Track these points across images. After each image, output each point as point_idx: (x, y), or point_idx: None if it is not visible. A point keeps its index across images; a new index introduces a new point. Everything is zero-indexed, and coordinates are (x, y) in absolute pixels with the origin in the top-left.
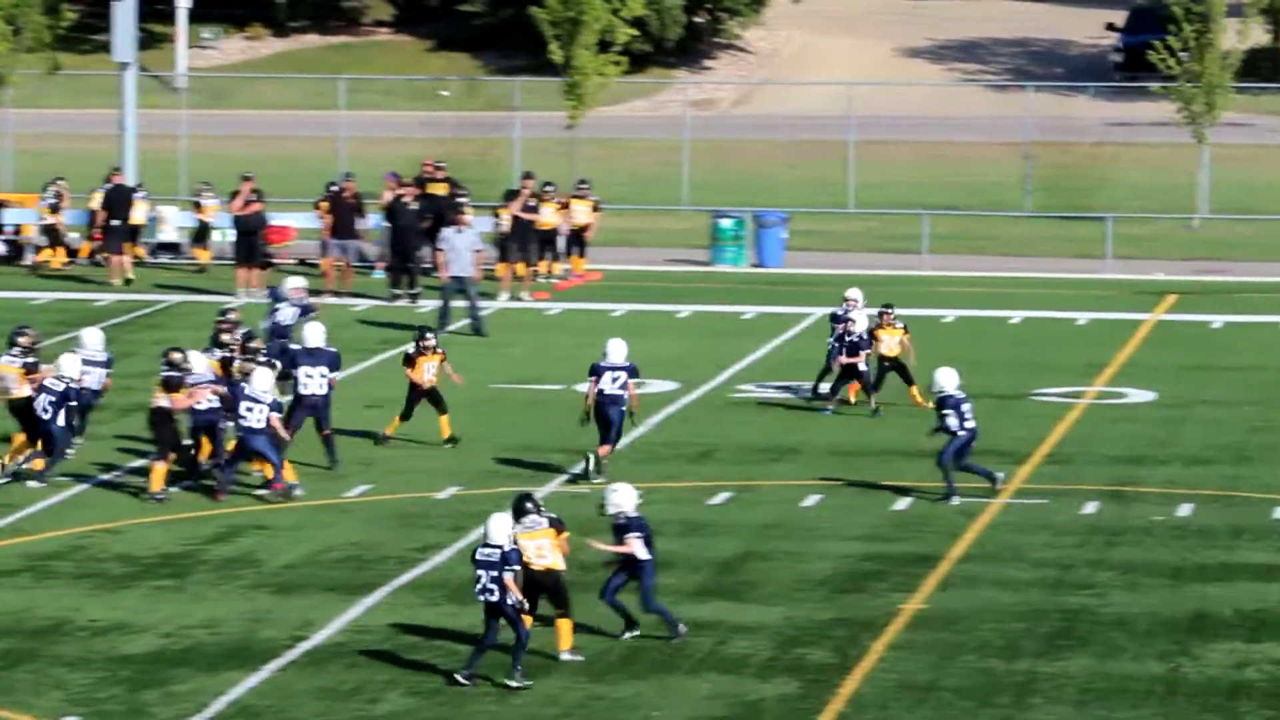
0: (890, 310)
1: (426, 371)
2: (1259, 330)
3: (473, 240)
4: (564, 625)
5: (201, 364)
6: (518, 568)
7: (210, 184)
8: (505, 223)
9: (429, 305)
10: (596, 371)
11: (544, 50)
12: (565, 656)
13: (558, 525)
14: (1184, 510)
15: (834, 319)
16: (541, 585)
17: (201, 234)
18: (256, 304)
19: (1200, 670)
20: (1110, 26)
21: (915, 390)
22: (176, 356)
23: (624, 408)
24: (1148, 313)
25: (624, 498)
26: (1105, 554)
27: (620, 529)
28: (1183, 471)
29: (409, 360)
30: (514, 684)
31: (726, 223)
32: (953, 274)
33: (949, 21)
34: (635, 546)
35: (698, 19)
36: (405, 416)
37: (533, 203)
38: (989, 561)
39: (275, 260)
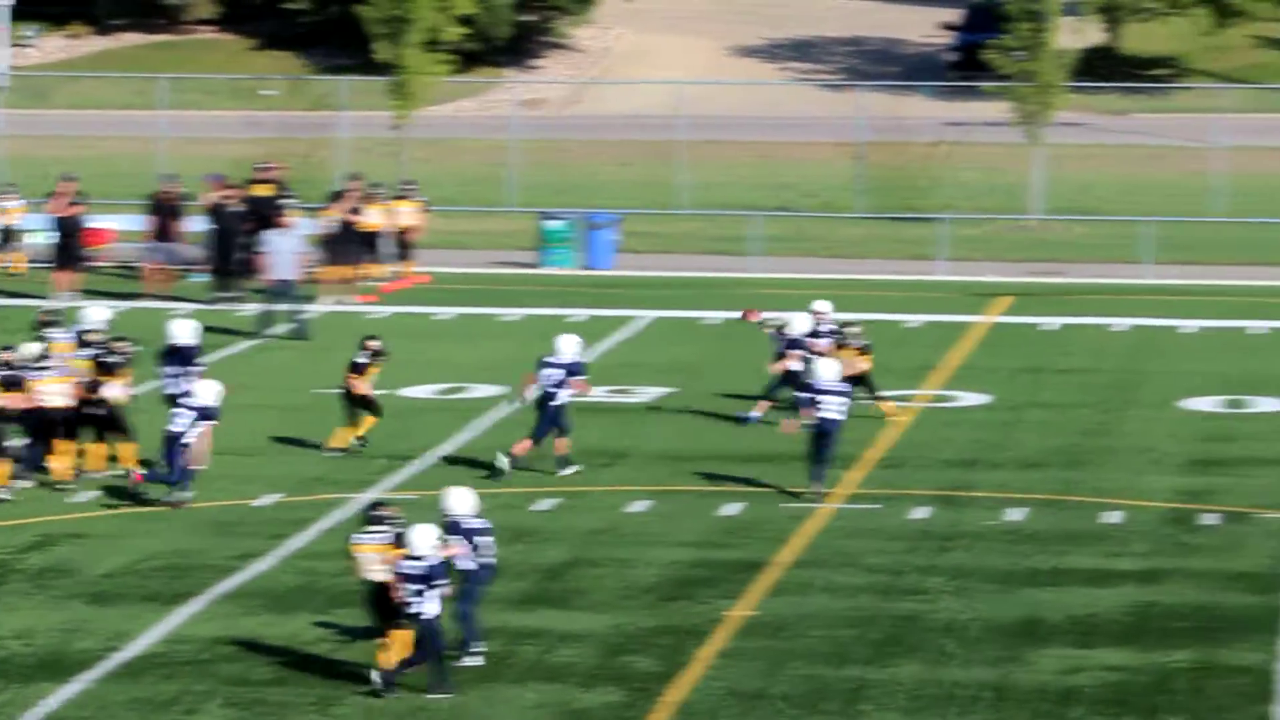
0: (841, 332)
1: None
2: (1092, 332)
3: (296, 243)
4: (391, 641)
5: (35, 352)
6: (446, 581)
7: (15, 185)
8: (330, 225)
9: (251, 309)
10: (539, 366)
11: (370, 49)
12: (389, 674)
13: (401, 540)
14: (1016, 515)
15: (813, 336)
16: (380, 597)
17: (6, 237)
18: (75, 307)
19: (1031, 676)
20: (947, 25)
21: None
22: (7, 355)
23: (557, 404)
24: (981, 315)
25: (456, 501)
26: (937, 559)
27: (448, 530)
28: (1015, 475)
29: (359, 369)
30: (435, 695)
31: (556, 224)
32: (784, 276)
33: (782, 20)
34: (455, 551)
35: (527, 18)
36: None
37: (358, 204)
38: (819, 567)
39: (93, 263)
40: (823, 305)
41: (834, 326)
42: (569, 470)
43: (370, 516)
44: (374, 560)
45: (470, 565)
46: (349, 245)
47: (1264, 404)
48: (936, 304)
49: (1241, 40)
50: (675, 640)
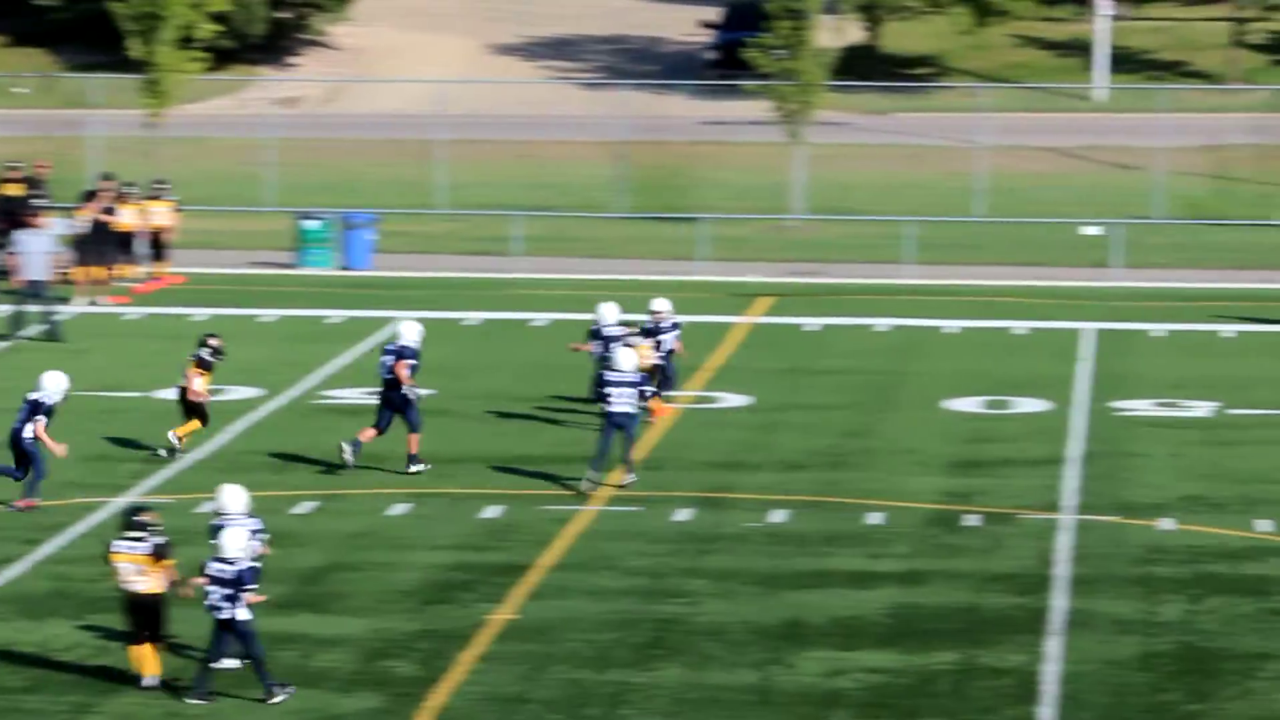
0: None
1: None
2: (854, 333)
3: (48, 243)
4: (149, 651)
5: None
6: (255, 586)
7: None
8: (83, 225)
9: (2, 310)
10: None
11: (123, 46)
12: (146, 682)
13: (160, 551)
14: (779, 516)
15: (644, 333)
16: (139, 606)
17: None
18: None
19: (794, 678)
20: (706, 24)
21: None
22: None
23: (404, 393)
24: (742, 315)
25: (230, 499)
26: (698, 561)
27: (215, 530)
28: (777, 477)
29: (204, 365)
30: (277, 699)
31: (313, 224)
32: (545, 276)
33: (540, 18)
34: (265, 551)
35: (283, 15)
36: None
37: (112, 204)
38: (580, 570)
39: None
40: (661, 303)
41: (666, 323)
42: (418, 468)
43: (130, 522)
44: (132, 570)
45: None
46: (102, 245)
47: (1025, 404)
48: (698, 304)
49: (1001, 39)
50: (436, 645)
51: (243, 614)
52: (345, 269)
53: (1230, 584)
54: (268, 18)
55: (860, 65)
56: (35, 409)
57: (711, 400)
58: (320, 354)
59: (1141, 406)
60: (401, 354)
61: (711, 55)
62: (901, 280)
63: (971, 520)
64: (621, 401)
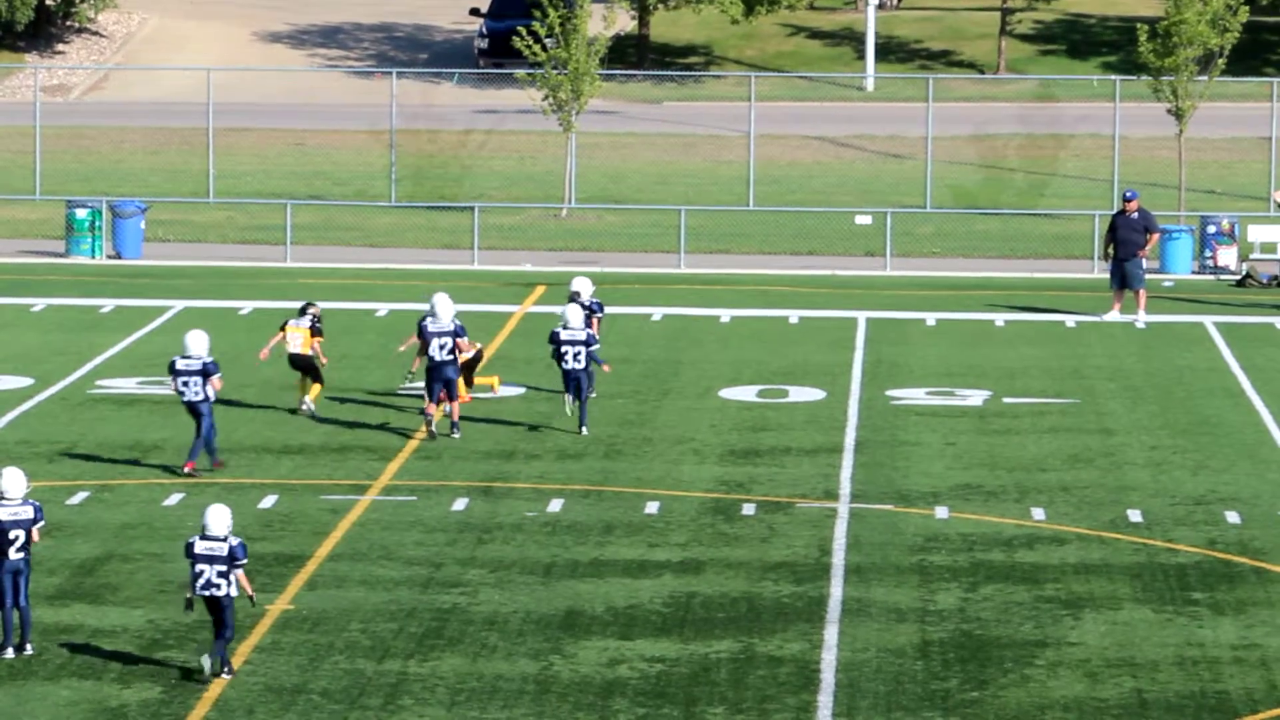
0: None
1: (294, 342)
2: (629, 322)
3: None
4: None
5: None
6: (245, 561)
7: None
8: None
9: None
10: (422, 333)
11: None
12: None
13: None
14: (555, 506)
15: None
16: None
17: None
18: None
19: (573, 669)
20: (474, 12)
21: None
22: None
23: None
24: (517, 305)
25: (7, 482)
26: (476, 551)
27: None
28: (554, 466)
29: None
30: (209, 670)
31: (82, 213)
32: (317, 265)
33: (310, 6)
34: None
35: (50, 1)
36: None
37: None
38: (358, 560)
39: None
40: (580, 283)
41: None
42: (457, 434)
43: None
44: None
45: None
46: None
47: (801, 393)
48: (471, 294)
49: (772, 28)
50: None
51: (232, 590)
52: (115, 257)
53: (1005, 572)
54: (33, 4)
55: (632, 54)
56: None
57: (484, 390)
58: (92, 343)
59: (915, 395)
60: (459, 333)
61: (482, 44)
62: (676, 269)
63: (749, 509)
64: (575, 359)
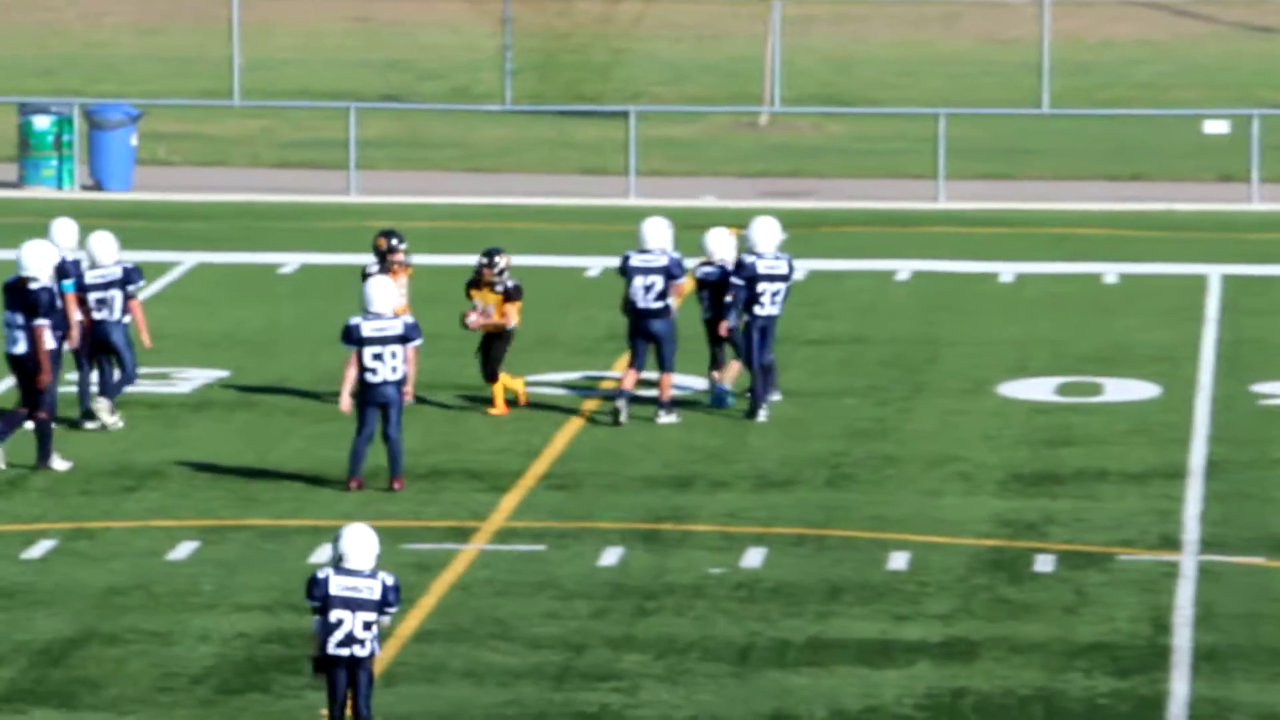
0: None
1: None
2: (857, 282)
3: None
4: None
5: None
6: (396, 610)
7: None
8: None
9: None
10: (625, 271)
11: None
12: None
13: None
14: (753, 558)
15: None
16: None
17: None
18: None
19: None
20: None
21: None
22: None
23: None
24: (693, 257)
25: None
26: (635, 627)
27: None
28: (751, 499)
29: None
30: None
31: (43, 122)
32: (394, 200)
33: None
34: None
35: None
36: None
37: None
38: (459, 641)
39: None
40: (717, 238)
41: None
42: (669, 419)
43: None
44: None
45: None
46: None
47: (1120, 389)
48: (624, 239)
49: None
50: None
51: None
52: (95, 189)
53: None
54: None
55: None
56: None
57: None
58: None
59: None
60: (671, 272)
61: None
62: (931, 204)
63: (1044, 564)
64: (774, 302)
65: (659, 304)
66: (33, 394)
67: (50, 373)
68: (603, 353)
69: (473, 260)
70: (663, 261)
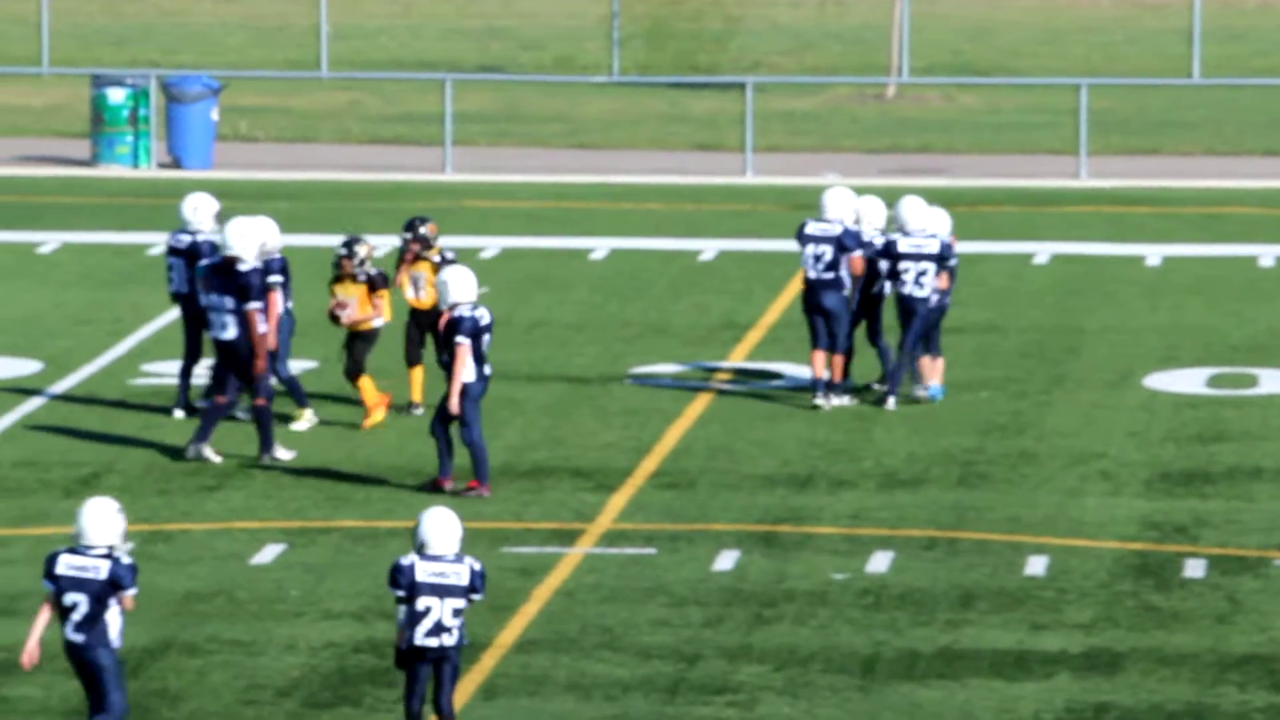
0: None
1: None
2: (993, 266)
3: None
4: None
5: None
6: (482, 596)
7: None
8: None
9: None
10: (802, 237)
11: None
12: None
13: None
14: (879, 563)
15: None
16: None
17: None
18: None
19: None
20: None
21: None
22: None
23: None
24: None
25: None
26: (753, 636)
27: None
28: (876, 499)
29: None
30: None
31: (118, 95)
32: (493, 179)
33: None
34: None
35: None
36: None
37: None
38: (563, 651)
39: None
40: (870, 205)
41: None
42: (839, 401)
43: None
44: None
45: None
46: None
47: (1274, 380)
48: (741, 221)
49: None
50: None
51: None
52: (173, 166)
53: None
54: None
55: None
56: None
57: (756, 375)
58: (135, 306)
59: None
60: (843, 244)
61: None
62: (1073, 181)
63: (1195, 569)
64: (918, 283)
65: (829, 274)
66: (244, 381)
67: (265, 358)
68: (716, 342)
69: (570, 243)
70: (836, 231)
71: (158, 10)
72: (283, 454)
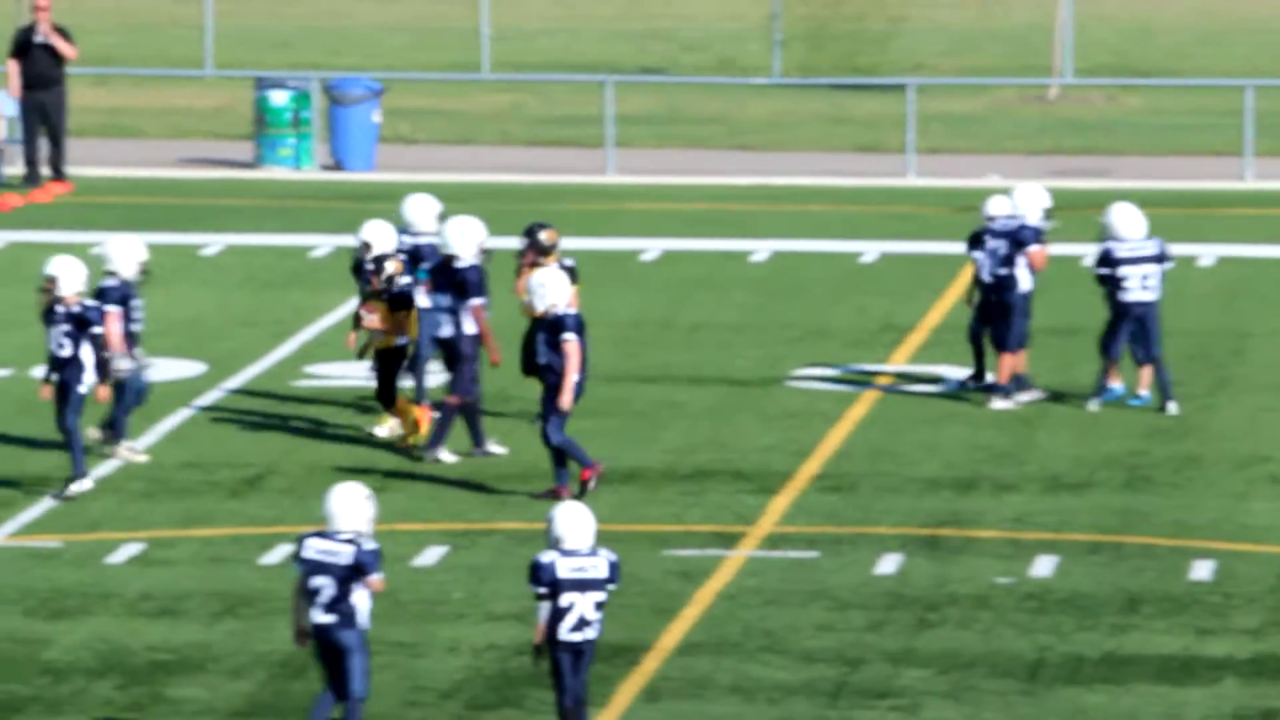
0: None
1: None
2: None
3: None
4: None
5: None
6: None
7: None
8: None
9: None
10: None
11: None
12: None
13: None
14: (1043, 567)
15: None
16: None
17: None
18: None
19: None
20: None
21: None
22: None
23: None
24: None
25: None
26: (916, 640)
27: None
28: (1040, 502)
29: None
30: None
31: (280, 97)
32: (655, 181)
33: None
34: None
35: None
36: None
37: None
38: (725, 654)
39: None
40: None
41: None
42: (1007, 403)
43: None
44: None
45: None
46: None
47: None
48: (903, 224)
49: None
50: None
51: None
52: (335, 169)
53: None
54: None
55: None
56: None
57: (921, 377)
58: (299, 307)
59: None
60: (1019, 238)
61: None
62: (1238, 184)
63: None
64: (1145, 287)
65: (1004, 271)
66: (458, 378)
67: (497, 351)
68: (878, 345)
69: (731, 245)
70: (1012, 226)
71: (320, 12)
72: (445, 456)
